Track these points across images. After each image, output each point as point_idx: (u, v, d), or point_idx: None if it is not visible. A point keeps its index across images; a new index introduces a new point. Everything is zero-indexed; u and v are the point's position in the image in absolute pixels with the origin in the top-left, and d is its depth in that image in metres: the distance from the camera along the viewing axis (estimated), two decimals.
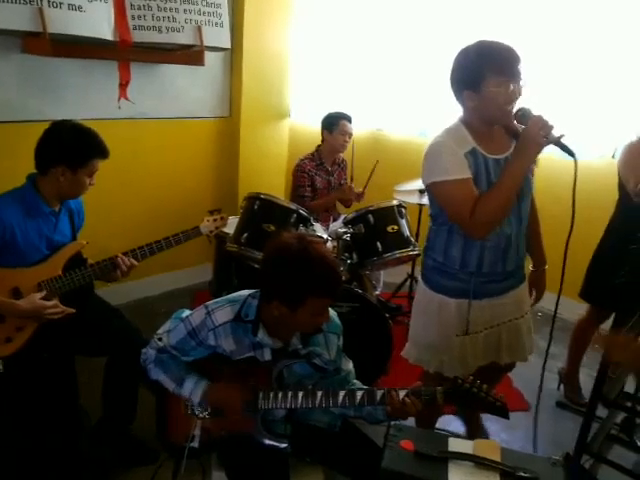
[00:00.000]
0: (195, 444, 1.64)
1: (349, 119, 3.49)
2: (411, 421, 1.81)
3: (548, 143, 1.68)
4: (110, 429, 2.22)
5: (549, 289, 3.78)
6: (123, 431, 2.23)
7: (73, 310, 2.04)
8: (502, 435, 2.58)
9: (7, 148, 2.76)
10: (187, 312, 1.70)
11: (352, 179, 3.49)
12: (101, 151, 2.04)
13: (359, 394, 1.59)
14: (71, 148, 1.99)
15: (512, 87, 1.68)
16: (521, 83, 1.71)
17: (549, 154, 3.28)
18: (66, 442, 2.23)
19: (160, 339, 1.68)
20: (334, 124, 3.45)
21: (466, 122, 1.81)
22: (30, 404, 2.09)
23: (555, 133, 1.68)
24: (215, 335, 1.61)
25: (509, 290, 1.98)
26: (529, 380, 3.04)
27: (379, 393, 1.59)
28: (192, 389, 1.62)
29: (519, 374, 3.08)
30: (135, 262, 2.15)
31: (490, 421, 2.66)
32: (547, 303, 3.90)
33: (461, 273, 1.89)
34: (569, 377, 2.91)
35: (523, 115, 1.71)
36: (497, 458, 1.35)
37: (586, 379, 2.86)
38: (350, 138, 3.49)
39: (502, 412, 1.53)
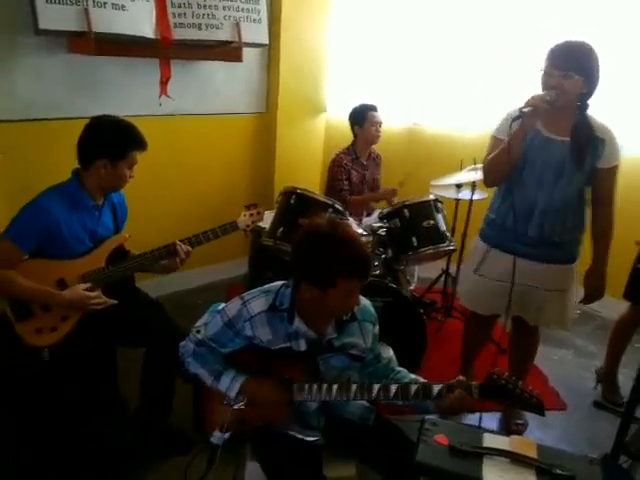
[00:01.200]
0: (219, 439, 1.66)
1: (375, 109, 3.47)
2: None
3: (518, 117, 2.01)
4: (147, 419, 2.27)
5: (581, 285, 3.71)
6: (160, 421, 2.28)
7: (115, 301, 2.11)
8: (536, 433, 2.55)
9: (54, 144, 2.85)
10: (222, 305, 1.74)
11: (401, 185, 3.47)
12: (139, 143, 2.10)
13: (393, 389, 1.60)
14: (110, 141, 2.05)
15: None
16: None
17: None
18: (106, 430, 2.30)
19: (198, 332, 1.72)
20: (363, 117, 3.44)
21: None
22: (73, 392, 2.17)
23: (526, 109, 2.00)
24: (252, 325, 1.64)
25: (537, 259, 2.20)
26: (565, 379, 3.01)
27: (413, 388, 1.60)
28: (229, 384, 1.66)
29: (555, 373, 3.05)
30: (190, 248, 2.22)
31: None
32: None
33: (494, 224, 2.27)
34: (607, 376, 2.85)
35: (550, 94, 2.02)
36: (533, 455, 1.34)
37: (624, 379, 2.80)
38: (380, 127, 3.47)
39: (537, 409, 1.51)
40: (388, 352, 1.83)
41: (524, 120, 2.01)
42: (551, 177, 2.10)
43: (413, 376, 1.74)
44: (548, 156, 2.10)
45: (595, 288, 2.25)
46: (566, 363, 3.21)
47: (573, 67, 1.98)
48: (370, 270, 1.60)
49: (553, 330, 3.48)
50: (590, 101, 2.11)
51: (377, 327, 1.79)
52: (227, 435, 1.63)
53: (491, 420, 2.63)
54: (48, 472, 2.10)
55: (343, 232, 1.56)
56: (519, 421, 2.56)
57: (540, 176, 2.12)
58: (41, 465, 2.12)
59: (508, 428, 2.54)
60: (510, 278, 2.15)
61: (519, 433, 2.49)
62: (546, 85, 2.04)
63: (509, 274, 2.16)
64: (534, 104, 1.99)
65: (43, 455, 2.14)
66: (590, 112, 2.12)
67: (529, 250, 2.20)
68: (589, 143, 2.07)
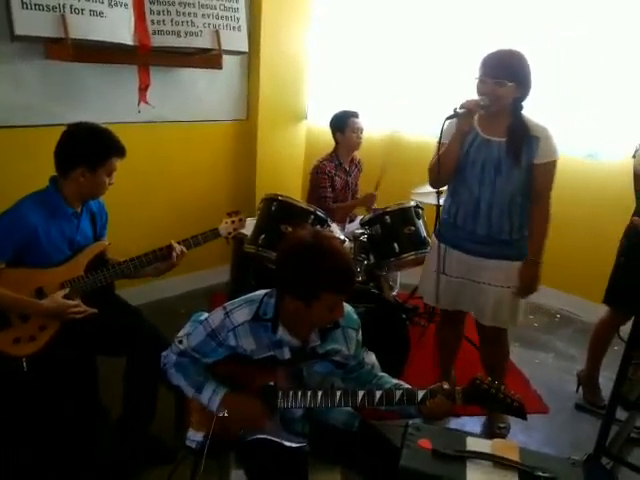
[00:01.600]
0: (200, 445, 1.64)
1: (357, 115, 3.48)
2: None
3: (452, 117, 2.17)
4: (129, 428, 2.24)
5: (568, 290, 3.77)
6: (142, 430, 2.25)
7: (95, 310, 2.08)
8: (519, 437, 2.56)
9: (30, 151, 2.81)
10: (205, 315, 1.73)
11: (377, 187, 3.47)
12: (118, 149, 2.08)
13: (378, 394, 1.60)
14: (89, 148, 2.02)
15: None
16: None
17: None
18: (86, 440, 2.26)
19: (180, 342, 1.71)
20: (344, 123, 3.45)
21: None
22: (52, 402, 2.12)
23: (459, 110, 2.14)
24: (235, 335, 1.63)
25: (488, 257, 2.30)
26: (547, 382, 3.04)
27: (398, 394, 1.59)
28: (210, 396, 1.64)
29: (536, 376, 3.08)
30: (185, 249, 2.22)
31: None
32: (566, 305, 3.91)
33: (447, 223, 2.39)
34: (588, 379, 2.88)
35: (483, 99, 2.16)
36: (515, 458, 1.35)
37: (605, 382, 2.83)
38: (362, 133, 3.48)
39: (519, 413, 1.53)
40: (371, 358, 1.84)
41: (459, 121, 2.17)
42: (491, 175, 2.22)
43: (395, 381, 1.75)
44: (487, 155, 2.22)
45: (529, 281, 2.30)
46: (547, 366, 3.24)
47: (505, 75, 2.11)
48: (354, 284, 1.60)
49: (536, 334, 3.56)
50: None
51: (360, 333, 1.79)
52: (200, 438, 1.61)
53: (474, 424, 2.65)
54: None
55: (327, 245, 1.55)
56: (502, 424, 2.58)
57: (481, 174, 2.23)
58: (21, 477, 2.07)
59: (491, 432, 2.56)
60: (469, 276, 2.34)
61: (502, 436, 2.52)
62: (480, 92, 2.16)
63: (467, 271, 2.34)
64: (468, 107, 2.14)
65: (23, 466, 2.09)
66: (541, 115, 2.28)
67: (480, 248, 2.31)
68: (523, 141, 2.18)
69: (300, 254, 1.54)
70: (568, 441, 2.57)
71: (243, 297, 1.70)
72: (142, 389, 2.19)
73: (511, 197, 2.23)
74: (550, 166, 2.21)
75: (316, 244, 1.54)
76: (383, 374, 1.81)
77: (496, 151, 2.21)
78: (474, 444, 1.39)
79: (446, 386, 1.58)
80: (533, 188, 2.25)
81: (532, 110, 2.25)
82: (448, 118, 2.19)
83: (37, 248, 2.01)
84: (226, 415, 1.66)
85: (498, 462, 1.33)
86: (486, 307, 2.35)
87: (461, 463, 1.32)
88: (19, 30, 2.52)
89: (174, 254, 2.20)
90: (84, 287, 2.08)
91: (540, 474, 1.29)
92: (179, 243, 2.22)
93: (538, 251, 2.29)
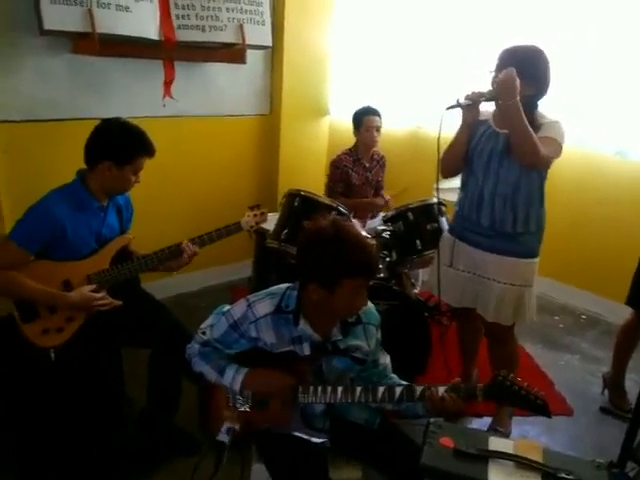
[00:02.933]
0: (224, 438, 1.65)
1: (373, 112, 3.42)
2: None
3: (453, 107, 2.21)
4: (153, 419, 2.27)
5: (593, 290, 3.70)
6: (166, 421, 2.28)
7: (120, 302, 2.11)
8: (543, 439, 2.53)
9: (57, 144, 2.86)
10: (228, 307, 1.74)
11: (385, 199, 3.49)
12: (147, 149, 2.10)
13: (398, 390, 1.60)
14: (118, 144, 2.05)
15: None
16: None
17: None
18: (111, 430, 2.30)
19: (204, 333, 1.72)
20: (359, 121, 3.42)
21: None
22: (79, 393, 2.16)
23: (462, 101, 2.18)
24: (256, 327, 1.64)
25: (491, 251, 2.29)
26: (572, 384, 2.99)
27: (418, 389, 1.59)
28: (232, 377, 1.65)
29: (561, 378, 3.03)
30: (197, 249, 2.22)
31: (530, 424, 2.61)
32: (591, 305, 3.85)
33: (457, 216, 2.42)
34: (614, 382, 2.83)
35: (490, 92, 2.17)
36: (539, 459, 1.33)
37: (632, 385, 2.78)
38: (378, 131, 3.42)
39: (543, 410, 1.50)
40: (385, 359, 1.83)
41: (463, 112, 2.22)
42: (495, 165, 2.23)
43: (405, 383, 1.72)
44: (494, 146, 2.23)
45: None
46: (572, 368, 3.19)
47: (501, 65, 2.11)
48: (376, 267, 1.60)
49: (561, 335, 3.51)
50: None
51: (380, 331, 1.79)
52: (230, 437, 1.62)
53: (479, 425, 2.61)
54: (53, 473, 2.10)
55: (347, 231, 1.56)
56: (500, 429, 2.52)
57: (487, 164, 2.25)
58: (46, 466, 2.11)
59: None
60: (475, 270, 2.35)
61: None
62: (491, 84, 2.17)
63: (473, 265, 2.35)
64: (472, 98, 2.17)
65: (48, 456, 2.13)
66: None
67: (484, 240, 2.31)
68: None
69: (321, 241, 1.55)
70: (592, 444, 2.53)
71: (266, 290, 1.71)
72: (166, 381, 2.21)
73: (514, 187, 2.22)
74: (546, 140, 2.12)
75: (336, 230, 1.55)
76: (393, 375, 1.81)
77: (502, 143, 2.21)
78: (497, 444, 1.37)
79: (465, 383, 1.57)
80: None
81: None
82: (449, 108, 2.21)
83: (64, 241, 2.04)
84: (247, 410, 1.67)
85: (521, 462, 1.31)
86: (489, 303, 2.33)
87: (483, 462, 1.30)
88: (48, 25, 2.55)
89: (185, 255, 2.20)
90: (110, 280, 2.11)
91: (564, 476, 1.27)
92: (201, 236, 2.23)
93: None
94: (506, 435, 2.51)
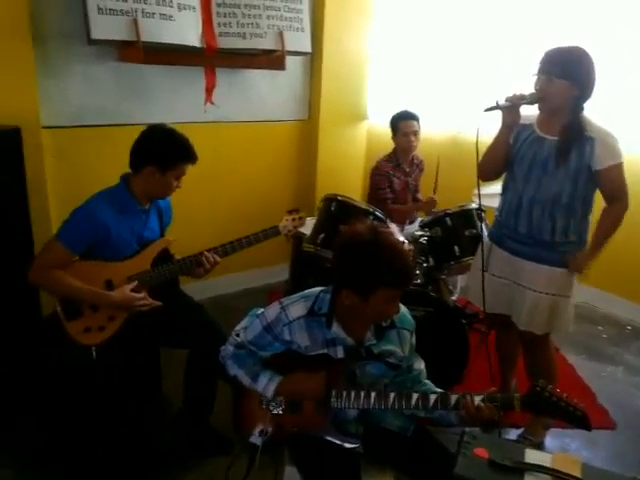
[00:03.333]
0: (256, 440, 1.66)
1: (410, 117, 3.38)
2: None
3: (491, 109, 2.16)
4: (189, 419, 2.31)
5: (639, 301, 3.56)
6: (202, 421, 2.32)
7: (160, 303, 2.16)
8: (584, 452, 2.46)
9: (102, 150, 2.96)
10: (262, 309, 1.75)
11: (434, 190, 3.41)
12: (189, 156, 2.14)
13: (433, 397, 1.58)
14: (162, 151, 2.10)
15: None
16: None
17: None
18: (149, 430, 2.35)
19: (238, 335, 1.74)
20: (395, 126, 3.39)
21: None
22: (118, 391, 2.22)
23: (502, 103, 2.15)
24: (290, 330, 1.65)
25: (527, 258, 2.25)
26: (615, 396, 2.89)
27: (453, 398, 1.57)
28: (266, 384, 1.66)
29: (604, 390, 2.94)
30: (218, 259, 2.24)
31: (571, 437, 2.54)
32: (636, 315, 3.71)
33: (496, 220, 2.40)
34: None
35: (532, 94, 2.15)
36: (577, 474, 1.29)
37: None
38: (416, 136, 3.38)
39: (583, 423, 1.45)
40: (420, 364, 1.81)
41: (503, 115, 2.18)
42: (538, 172, 2.18)
43: (439, 390, 1.71)
44: (537, 152, 2.19)
45: (577, 262, 2.21)
46: (616, 380, 3.09)
47: (557, 72, 2.06)
48: (413, 277, 1.58)
49: (605, 346, 3.40)
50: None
51: (414, 336, 1.77)
52: (262, 439, 1.64)
53: (516, 436, 2.55)
54: (92, 470, 2.16)
55: (386, 239, 1.55)
56: (530, 437, 2.46)
57: (528, 171, 2.21)
58: (85, 463, 2.17)
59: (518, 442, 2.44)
60: (511, 277, 2.32)
61: None
62: (535, 88, 2.14)
63: (509, 272, 2.32)
64: (512, 100, 2.13)
65: (88, 453, 2.19)
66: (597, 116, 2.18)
67: (521, 248, 2.27)
68: (575, 141, 2.11)
69: (358, 247, 1.54)
70: (636, 460, 2.44)
71: (300, 293, 1.72)
72: (202, 381, 2.25)
73: (554, 197, 2.16)
74: (613, 170, 2.11)
75: (374, 237, 1.53)
76: (427, 381, 1.79)
77: (546, 149, 2.17)
78: (533, 456, 1.34)
79: (503, 393, 1.54)
80: (603, 194, 2.19)
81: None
82: (487, 110, 2.16)
83: (107, 243, 2.10)
84: (280, 412, 1.68)
85: (558, 477, 1.28)
86: (522, 311, 2.29)
87: (519, 475, 1.27)
88: (95, 34, 2.64)
89: (205, 264, 2.22)
90: (150, 281, 2.17)
91: None
92: (240, 240, 2.26)
93: (597, 246, 2.20)
94: (536, 444, 2.45)
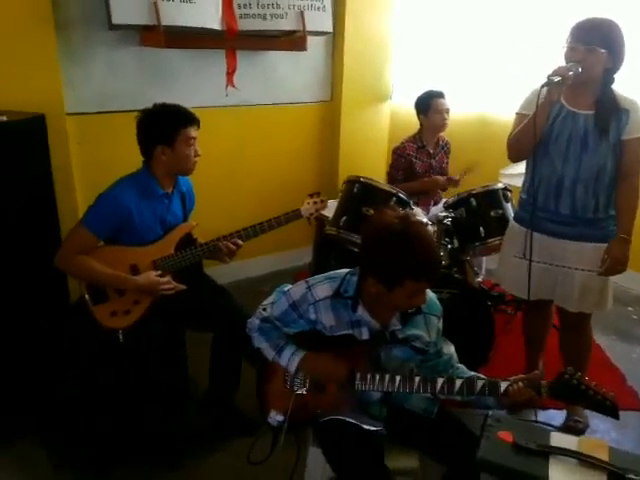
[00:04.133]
0: (277, 421, 1.68)
1: (441, 95, 3.34)
2: None
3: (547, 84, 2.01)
4: (215, 400, 2.35)
5: None
6: (227, 402, 2.35)
7: (184, 287, 2.19)
8: (612, 434, 2.42)
9: (125, 135, 2.93)
10: (289, 286, 1.76)
11: (459, 178, 3.37)
12: (187, 118, 2.13)
13: (458, 383, 1.57)
14: (159, 125, 2.11)
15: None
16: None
17: None
18: (175, 410, 2.39)
19: (265, 309, 1.76)
20: (428, 105, 3.33)
21: None
22: (146, 373, 2.26)
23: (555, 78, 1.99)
24: (315, 309, 1.65)
25: (571, 238, 2.19)
26: None
27: (479, 384, 1.55)
28: (289, 358, 1.68)
29: (633, 371, 2.88)
30: (240, 242, 2.25)
31: (599, 419, 2.49)
32: None
33: (527, 204, 2.27)
34: None
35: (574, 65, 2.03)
36: (605, 457, 1.27)
37: None
38: (448, 114, 3.34)
39: (612, 412, 1.43)
40: (450, 349, 1.79)
41: (551, 90, 2.03)
42: (577, 149, 2.12)
43: (472, 373, 1.70)
44: (573, 129, 2.12)
45: (618, 260, 2.16)
46: None
47: (597, 41, 2.00)
48: (439, 272, 1.56)
49: (635, 327, 3.33)
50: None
51: (441, 321, 1.76)
52: (281, 418, 1.65)
53: (551, 416, 2.52)
54: (122, 450, 2.21)
55: (416, 233, 1.52)
56: (579, 419, 2.43)
57: (566, 149, 2.13)
58: (115, 444, 2.23)
59: (566, 425, 2.44)
60: (552, 260, 2.24)
61: (578, 431, 2.38)
62: (571, 59, 2.05)
63: (550, 256, 2.23)
64: (562, 74, 2.00)
65: (117, 434, 2.24)
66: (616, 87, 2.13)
67: (562, 229, 2.20)
68: (613, 114, 2.08)
69: (387, 239, 1.52)
70: None
71: (325, 274, 1.72)
72: (227, 364, 2.28)
73: (597, 173, 2.12)
74: (638, 142, 2.09)
75: (404, 230, 1.51)
76: (460, 365, 1.77)
77: (582, 124, 2.10)
78: (559, 440, 1.32)
79: (532, 378, 1.52)
80: (621, 164, 2.13)
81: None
82: (543, 86, 2.03)
83: (131, 227, 2.13)
84: (305, 392, 1.69)
85: (585, 460, 1.26)
86: (572, 292, 2.23)
87: (544, 459, 1.26)
88: (116, 19, 2.65)
89: (224, 250, 2.23)
90: (174, 265, 2.19)
91: (632, 477, 1.21)
92: (262, 223, 2.26)
93: (628, 228, 2.15)
94: (585, 426, 2.44)
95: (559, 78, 1.99)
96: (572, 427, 2.41)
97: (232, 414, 2.35)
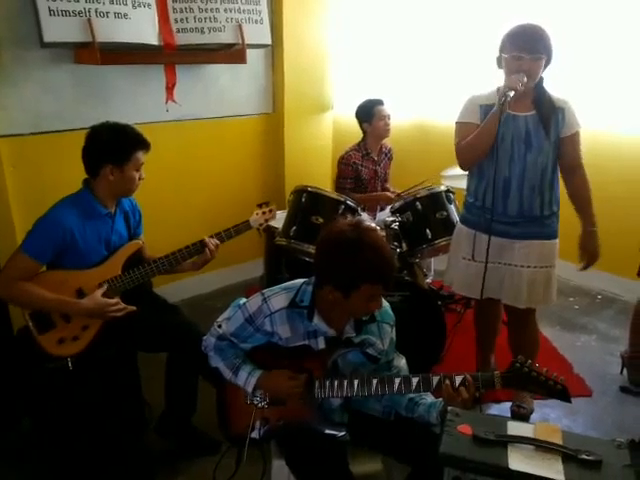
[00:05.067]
0: (255, 435, 1.69)
1: (381, 102, 3.43)
2: None
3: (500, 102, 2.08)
4: (173, 422, 2.29)
5: (608, 270, 3.66)
6: (185, 423, 2.30)
7: (134, 308, 2.13)
8: (564, 421, 2.52)
9: (64, 155, 2.86)
10: (244, 300, 1.75)
11: (393, 191, 3.46)
12: (141, 143, 2.10)
13: (415, 380, 1.60)
14: (112, 145, 2.05)
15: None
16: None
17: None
18: (131, 436, 2.32)
19: (220, 326, 1.74)
20: (370, 112, 3.40)
21: (499, 87, 2.21)
22: (97, 400, 2.18)
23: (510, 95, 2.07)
24: (271, 321, 1.65)
25: (518, 237, 2.27)
26: (590, 365, 2.97)
27: (435, 379, 1.59)
28: (246, 378, 1.68)
29: (579, 359, 3.01)
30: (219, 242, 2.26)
31: (551, 407, 2.60)
32: (606, 285, 3.81)
33: (474, 207, 2.34)
34: (632, 360, 2.81)
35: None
36: (559, 441, 1.32)
37: None
38: (389, 119, 3.42)
39: (563, 395, 1.49)
40: (400, 361, 1.83)
41: (505, 103, 2.08)
42: (521, 150, 2.19)
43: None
44: (515, 131, 2.19)
45: (593, 249, 2.31)
46: (590, 349, 3.17)
47: (541, 49, 2.10)
48: (394, 275, 1.60)
49: (577, 316, 3.48)
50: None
51: (394, 331, 1.79)
52: (254, 434, 1.64)
53: (499, 411, 2.60)
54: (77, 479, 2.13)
55: (369, 238, 1.55)
56: (522, 404, 2.52)
57: (511, 150, 2.20)
58: (70, 473, 2.14)
59: (512, 411, 2.52)
60: (500, 259, 2.30)
61: (521, 416, 2.48)
62: (518, 69, 2.11)
63: (498, 255, 2.28)
64: (514, 87, 2.08)
65: (71, 462, 2.16)
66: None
67: (510, 229, 2.27)
68: (552, 112, 2.19)
69: (342, 246, 1.54)
70: (613, 424, 2.52)
71: (281, 285, 1.72)
72: (183, 382, 2.23)
73: (542, 171, 2.22)
74: (577, 137, 2.23)
75: (358, 236, 1.54)
76: None
77: (523, 125, 2.19)
78: (515, 428, 1.36)
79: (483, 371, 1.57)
80: (565, 161, 2.25)
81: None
82: (502, 103, 2.07)
83: (74, 250, 2.06)
84: (265, 406, 1.68)
85: (540, 446, 1.31)
86: (521, 289, 2.31)
87: (503, 448, 1.29)
88: (48, 37, 2.56)
89: (207, 248, 2.23)
90: (122, 286, 2.13)
91: (584, 457, 1.26)
92: (212, 237, 2.25)
93: (591, 220, 2.29)
94: (530, 411, 2.52)
95: (513, 92, 2.07)
96: (516, 412, 2.50)
97: (192, 435, 2.30)
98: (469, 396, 1.55)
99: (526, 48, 2.09)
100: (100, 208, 2.13)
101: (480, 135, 2.19)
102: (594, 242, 2.30)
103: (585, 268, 2.35)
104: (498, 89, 2.21)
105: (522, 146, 2.19)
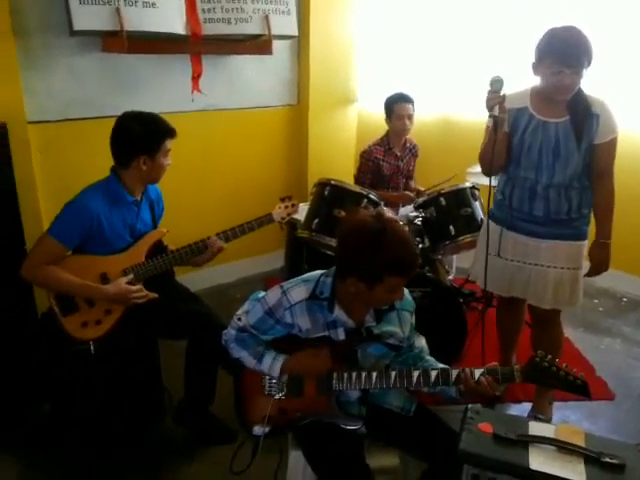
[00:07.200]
0: (259, 432, 1.68)
1: (405, 99, 3.33)
2: None
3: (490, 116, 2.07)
4: (191, 409, 2.31)
5: (634, 273, 3.59)
6: (204, 411, 2.31)
7: (156, 295, 2.15)
8: (585, 424, 2.48)
9: (90, 143, 2.91)
10: (263, 293, 1.75)
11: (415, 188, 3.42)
12: (170, 131, 2.13)
13: (434, 374, 1.59)
14: (144, 137, 2.08)
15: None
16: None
17: None
18: (151, 421, 2.35)
19: (240, 319, 1.74)
20: (390, 109, 3.35)
21: (533, 88, 2.17)
22: (117, 385, 2.21)
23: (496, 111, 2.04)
24: (291, 313, 1.65)
25: (545, 237, 2.22)
26: (613, 368, 2.92)
27: (454, 373, 1.58)
28: (271, 363, 1.67)
29: (602, 362, 2.96)
30: (224, 244, 2.25)
31: (572, 409, 2.56)
32: (632, 287, 3.73)
33: (503, 205, 2.31)
34: None
35: (495, 82, 2.08)
36: (581, 443, 1.30)
37: None
38: (410, 119, 3.35)
39: (583, 391, 1.46)
40: (421, 341, 1.82)
41: (498, 125, 2.07)
42: (549, 159, 2.13)
43: (442, 365, 1.71)
44: (544, 139, 2.12)
45: (600, 261, 2.26)
46: (614, 352, 3.11)
47: (584, 60, 1.98)
48: (417, 267, 1.59)
49: (602, 319, 3.42)
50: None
51: (414, 316, 1.78)
52: (267, 429, 1.64)
53: (518, 411, 2.56)
54: (96, 464, 2.16)
55: (393, 229, 1.54)
56: (541, 416, 2.46)
57: (538, 160, 2.14)
58: (89, 457, 2.17)
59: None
60: (526, 259, 2.27)
61: None
62: (558, 84, 2.01)
63: (524, 254, 2.27)
64: (496, 108, 2.04)
65: (91, 447, 2.19)
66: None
67: (537, 228, 2.23)
68: (586, 119, 2.08)
69: (366, 237, 1.52)
70: (635, 428, 2.47)
71: (300, 277, 1.72)
72: (202, 371, 2.24)
73: (570, 180, 2.15)
74: (612, 144, 2.12)
75: (381, 227, 1.52)
76: (430, 357, 1.80)
77: (554, 134, 2.11)
78: (537, 429, 1.35)
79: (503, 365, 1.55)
80: (595, 168, 2.16)
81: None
82: (495, 123, 2.06)
83: (100, 236, 2.08)
84: (283, 398, 1.68)
85: (562, 447, 1.29)
86: (546, 290, 2.27)
87: (523, 448, 1.28)
88: (77, 25, 2.59)
89: (209, 250, 2.23)
90: (145, 273, 2.15)
91: (607, 460, 1.24)
92: (225, 232, 2.25)
93: (606, 231, 2.22)
94: (547, 421, 2.47)
95: (503, 114, 2.04)
96: None
97: (210, 423, 2.32)
98: (489, 387, 1.53)
99: (567, 62, 1.96)
100: (127, 196, 2.15)
101: (484, 153, 2.18)
102: (603, 254, 2.24)
103: (589, 276, 2.30)
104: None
105: (550, 156, 2.12)
